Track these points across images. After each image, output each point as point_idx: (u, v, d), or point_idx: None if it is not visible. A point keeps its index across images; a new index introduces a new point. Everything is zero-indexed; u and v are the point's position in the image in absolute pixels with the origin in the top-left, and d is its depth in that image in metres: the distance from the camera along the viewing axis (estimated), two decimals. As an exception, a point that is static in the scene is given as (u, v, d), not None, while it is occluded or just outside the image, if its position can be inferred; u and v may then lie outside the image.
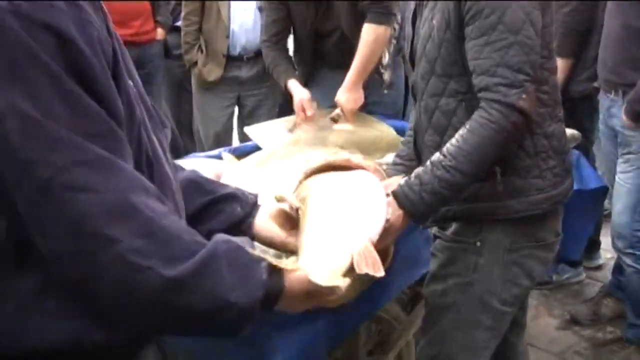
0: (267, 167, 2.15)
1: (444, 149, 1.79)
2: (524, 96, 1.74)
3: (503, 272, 1.96)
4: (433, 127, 1.94)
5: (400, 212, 1.77)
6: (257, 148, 3.00)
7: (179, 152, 3.97)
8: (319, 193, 1.63)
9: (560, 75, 3.46)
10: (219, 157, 2.83)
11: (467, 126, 1.78)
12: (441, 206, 1.83)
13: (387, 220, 1.66)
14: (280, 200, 1.63)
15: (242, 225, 1.56)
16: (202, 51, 3.93)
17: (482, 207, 1.91)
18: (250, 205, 1.58)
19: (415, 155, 2.09)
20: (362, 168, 1.76)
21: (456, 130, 1.83)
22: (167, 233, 1.08)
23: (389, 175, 2.09)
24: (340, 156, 1.79)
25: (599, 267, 4.17)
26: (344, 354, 2.43)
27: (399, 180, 1.80)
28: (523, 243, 1.95)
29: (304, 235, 1.51)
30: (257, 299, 1.17)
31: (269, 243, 1.60)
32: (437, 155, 1.80)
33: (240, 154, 2.95)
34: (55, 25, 0.98)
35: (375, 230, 1.56)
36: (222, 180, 2.49)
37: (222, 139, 4.03)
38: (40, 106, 0.97)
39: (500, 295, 1.98)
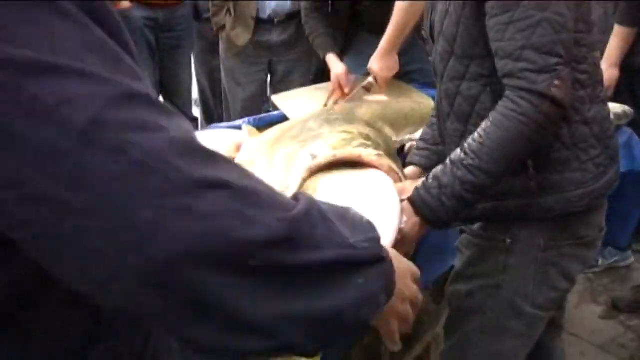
0: (278, 149, 1.95)
1: (465, 145, 1.57)
2: (556, 82, 1.50)
3: (537, 273, 1.74)
4: (455, 114, 1.72)
5: (416, 219, 1.57)
6: (284, 118, 2.82)
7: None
8: (323, 198, 1.44)
9: (623, 44, 3.20)
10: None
11: (491, 118, 1.55)
12: (463, 211, 1.62)
13: (401, 230, 1.48)
14: None
15: None
16: (230, 14, 3.72)
17: (513, 206, 1.69)
18: None
19: (441, 140, 1.87)
20: (375, 167, 1.55)
21: (481, 118, 1.62)
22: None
23: (413, 163, 1.89)
24: (351, 152, 1.57)
25: (649, 251, 3.89)
26: (367, 346, 2.26)
27: (415, 185, 1.59)
28: (560, 241, 1.73)
29: None
30: (380, 252, 0.88)
31: None
32: (457, 153, 1.58)
33: (265, 124, 2.79)
34: None
35: (388, 243, 1.38)
36: (239, 155, 2.33)
37: (251, 108, 3.83)
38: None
39: (534, 299, 1.76)
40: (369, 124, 2.24)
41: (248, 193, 0.74)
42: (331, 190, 1.47)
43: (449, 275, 2.12)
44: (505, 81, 1.56)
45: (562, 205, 1.67)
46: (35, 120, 0.65)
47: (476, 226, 1.78)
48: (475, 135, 1.56)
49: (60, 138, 0.65)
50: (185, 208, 0.68)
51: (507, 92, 1.55)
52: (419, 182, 1.58)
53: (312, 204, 0.82)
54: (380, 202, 1.44)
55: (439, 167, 1.60)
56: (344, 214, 0.89)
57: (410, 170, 1.90)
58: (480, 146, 1.53)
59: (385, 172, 1.57)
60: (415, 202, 1.57)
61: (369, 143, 1.70)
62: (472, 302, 1.80)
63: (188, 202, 0.68)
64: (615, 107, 2.64)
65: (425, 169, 1.89)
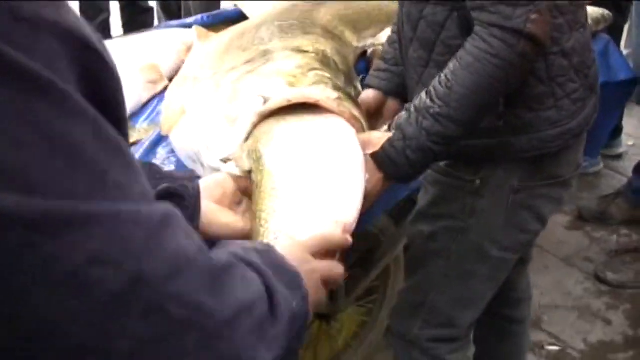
0: (225, 65, 1.74)
1: (432, 90, 1.36)
2: (533, 16, 1.29)
3: (507, 216, 1.57)
4: (418, 40, 1.50)
5: (379, 176, 1.38)
6: (241, 15, 2.57)
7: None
8: (278, 153, 1.27)
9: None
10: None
11: (459, 59, 1.34)
12: (431, 164, 1.43)
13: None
14: (225, 161, 1.29)
15: None
16: None
17: (481, 145, 1.50)
18: (192, 204, 1.16)
19: (403, 66, 1.65)
20: (335, 113, 1.35)
21: (447, 47, 1.41)
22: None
23: (371, 85, 1.68)
24: (307, 95, 1.35)
25: (618, 157, 3.79)
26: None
27: (381, 138, 1.37)
28: (534, 182, 1.56)
29: (272, 202, 1.21)
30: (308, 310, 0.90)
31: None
32: (423, 99, 1.37)
33: (219, 22, 2.56)
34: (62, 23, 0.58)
35: (349, 214, 1.20)
36: (186, 64, 2.12)
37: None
38: None
39: (502, 242, 1.61)
40: (327, 30, 2.02)
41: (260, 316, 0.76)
42: (288, 143, 1.28)
43: (409, 195, 1.97)
44: (475, 15, 1.34)
45: (534, 146, 1.49)
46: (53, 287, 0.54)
47: (443, 163, 1.59)
48: (442, 77, 1.36)
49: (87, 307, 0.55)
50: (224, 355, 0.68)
51: (477, 28, 1.33)
52: (385, 136, 1.38)
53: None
54: (343, 162, 1.25)
55: (403, 116, 1.40)
56: (278, 265, 0.88)
57: (369, 93, 1.69)
58: (447, 91, 1.33)
59: (347, 119, 1.37)
60: (378, 157, 1.38)
61: (327, 75, 1.48)
62: (435, 245, 1.65)
63: (226, 346, 0.68)
64: (593, 11, 2.44)
65: (386, 92, 1.68)
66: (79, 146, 0.55)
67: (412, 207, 1.78)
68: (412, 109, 1.38)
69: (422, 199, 1.68)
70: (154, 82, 2.25)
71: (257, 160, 1.28)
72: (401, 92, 1.66)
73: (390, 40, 1.73)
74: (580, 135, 1.56)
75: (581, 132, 1.55)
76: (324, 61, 1.60)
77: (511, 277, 1.84)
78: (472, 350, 1.87)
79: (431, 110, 1.34)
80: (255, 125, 1.36)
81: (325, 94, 1.37)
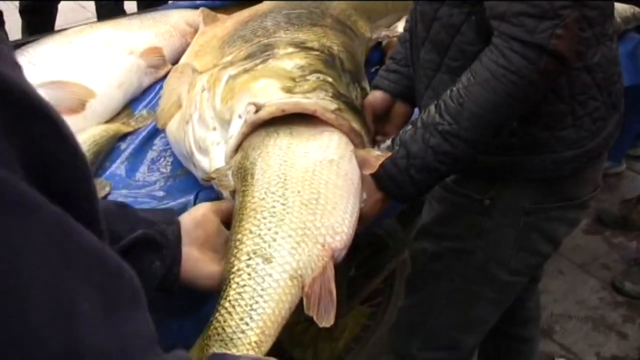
0: (226, 56, 1.62)
1: (441, 104, 1.23)
2: (559, 31, 1.15)
3: (517, 239, 1.45)
4: (431, 42, 1.37)
5: (378, 196, 1.26)
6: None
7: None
8: (263, 174, 1.16)
9: None
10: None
11: (475, 73, 1.20)
12: (437, 184, 1.30)
13: (359, 210, 1.18)
14: (208, 179, 1.21)
15: (164, 283, 1.07)
16: None
17: (491, 162, 1.37)
18: (172, 252, 1.06)
19: (412, 69, 1.52)
20: (333, 125, 1.23)
21: (461, 53, 1.29)
22: None
23: (379, 87, 1.56)
24: (304, 104, 1.23)
25: (642, 157, 3.64)
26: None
27: (379, 157, 1.24)
28: (548, 204, 1.43)
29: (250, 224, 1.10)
30: None
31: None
32: (431, 113, 1.24)
33: (232, 3, 2.45)
34: None
35: (338, 241, 1.08)
36: (191, 47, 2.02)
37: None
38: None
39: (511, 265, 1.48)
40: (338, 21, 1.89)
41: None
42: (275, 162, 1.17)
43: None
44: (495, 24, 1.20)
45: (547, 167, 1.37)
46: None
47: (450, 179, 1.45)
48: (454, 92, 1.22)
49: None
50: None
51: (496, 40, 1.20)
52: (384, 155, 1.25)
53: None
54: (335, 185, 1.14)
55: (408, 130, 1.27)
56: None
57: (376, 95, 1.56)
58: (459, 108, 1.20)
59: (345, 132, 1.25)
60: (378, 176, 1.25)
61: (329, 80, 1.34)
62: (439, 265, 1.53)
63: None
64: (623, 9, 2.30)
65: (394, 95, 1.56)
66: None
67: (420, 209, 1.67)
68: (419, 123, 1.25)
69: (426, 215, 1.56)
70: (155, 67, 2.15)
71: (242, 178, 1.17)
72: (411, 95, 1.53)
73: (402, 39, 1.60)
74: (597, 157, 1.42)
75: (600, 153, 1.42)
76: (328, 60, 1.48)
77: (520, 295, 1.72)
78: None
79: (439, 128, 1.21)
80: (245, 135, 1.25)
81: (323, 105, 1.24)
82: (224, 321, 1.00)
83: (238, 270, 1.05)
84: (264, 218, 1.10)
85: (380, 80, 1.57)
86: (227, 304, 1.02)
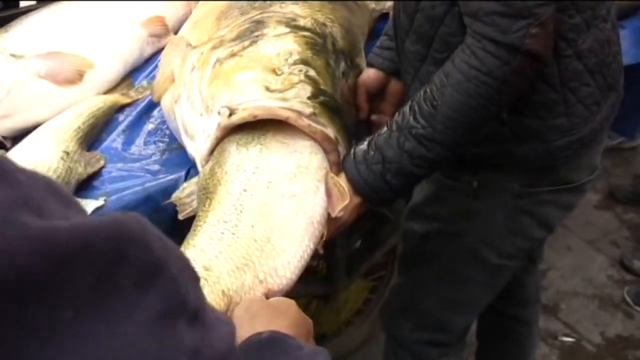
0: (219, 33, 1.58)
1: (415, 106, 1.20)
2: (534, 30, 1.11)
3: (507, 222, 1.41)
4: (415, 33, 1.32)
5: (356, 201, 1.24)
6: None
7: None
8: (224, 200, 1.15)
9: None
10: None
11: (447, 75, 1.17)
12: (414, 186, 1.29)
13: (337, 219, 1.20)
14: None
15: None
16: None
17: (480, 152, 1.33)
18: None
19: (398, 59, 1.46)
20: (305, 133, 1.22)
21: (446, 44, 1.24)
22: None
23: (373, 64, 1.52)
24: (277, 111, 1.20)
25: (659, 132, 3.57)
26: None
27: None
28: (540, 187, 1.39)
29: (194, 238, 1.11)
30: None
31: None
32: (405, 115, 1.21)
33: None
34: None
35: (278, 284, 1.08)
36: (191, 17, 1.98)
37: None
38: None
39: (501, 249, 1.45)
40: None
41: None
42: (239, 186, 1.16)
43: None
44: (467, 21, 1.16)
45: (539, 156, 1.32)
46: None
47: None
48: (428, 93, 1.19)
49: None
50: None
51: (469, 40, 1.15)
52: (358, 151, 1.24)
53: None
54: (291, 216, 1.13)
55: (383, 134, 1.23)
56: None
57: (370, 73, 1.53)
58: (433, 112, 1.17)
59: (318, 140, 1.23)
60: (355, 182, 1.23)
61: (312, 74, 1.28)
62: (428, 246, 1.51)
63: None
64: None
65: (389, 73, 1.52)
66: None
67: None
68: (394, 126, 1.22)
69: (417, 194, 1.53)
70: (158, 37, 2.11)
71: (202, 200, 1.18)
72: None
73: (390, 29, 1.55)
74: (592, 142, 1.38)
75: (594, 138, 1.38)
76: (318, 43, 1.44)
77: (519, 275, 1.70)
78: (463, 354, 1.77)
79: (414, 131, 1.19)
80: (219, 139, 1.24)
81: (298, 108, 1.22)
82: None
83: None
84: (212, 240, 1.09)
85: (374, 57, 1.53)
86: None
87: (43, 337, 0.36)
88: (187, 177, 1.53)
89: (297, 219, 1.12)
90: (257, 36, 1.45)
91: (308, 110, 1.22)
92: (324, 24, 1.53)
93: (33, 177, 0.44)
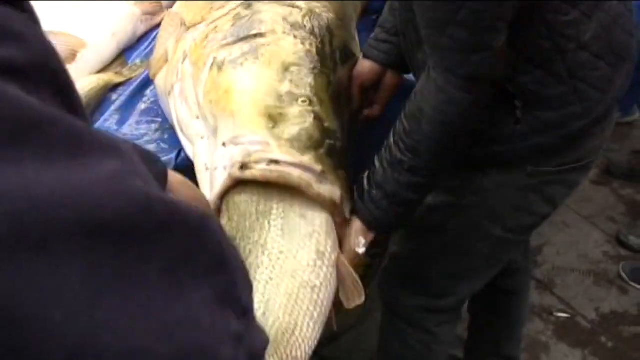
0: (213, 7, 1.56)
1: (399, 142, 1.29)
2: (491, 62, 1.18)
3: (515, 198, 1.44)
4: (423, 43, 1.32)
5: (371, 236, 1.35)
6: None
7: None
8: (257, 270, 1.19)
9: None
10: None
11: (419, 111, 1.25)
12: (422, 202, 1.39)
13: (357, 254, 1.34)
14: None
15: None
16: None
17: (493, 152, 1.38)
18: None
19: (410, 66, 1.47)
20: (311, 197, 1.24)
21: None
22: None
23: (369, 57, 1.52)
24: (288, 178, 1.22)
25: (657, 106, 3.56)
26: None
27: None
28: (550, 167, 1.39)
29: None
30: None
31: None
32: (393, 151, 1.30)
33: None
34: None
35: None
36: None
37: None
38: None
39: (507, 223, 1.48)
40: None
41: None
42: (265, 274, 1.18)
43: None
44: (428, 51, 1.22)
45: (556, 142, 1.34)
46: None
47: None
48: (406, 127, 1.27)
49: None
50: None
51: (432, 72, 1.21)
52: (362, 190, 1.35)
53: None
54: (311, 318, 1.16)
55: (378, 171, 1.33)
56: None
57: (365, 66, 1.52)
58: (416, 145, 1.26)
59: (327, 206, 1.26)
60: (369, 222, 1.33)
61: (315, 109, 1.32)
62: (435, 218, 1.52)
63: None
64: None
65: (384, 65, 1.52)
66: None
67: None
68: (385, 163, 1.31)
69: None
70: (152, 14, 2.10)
71: None
72: (402, 64, 1.50)
73: (391, 7, 1.53)
74: (606, 117, 1.38)
75: (609, 113, 1.38)
76: (317, 48, 1.44)
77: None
78: (458, 326, 1.80)
79: (405, 165, 1.28)
80: (229, 188, 1.25)
81: (308, 165, 1.24)
82: None
83: None
84: None
85: (370, 50, 1.52)
86: None
87: (133, 282, 0.40)
88: (177, 159, 1.54)
89: (315, 311, 1.17)
90: (255, 36, 1.43)
91: (318, 168, 1.24)
92: (319, 15, 1.52)
93: (132, 148, 0.48)
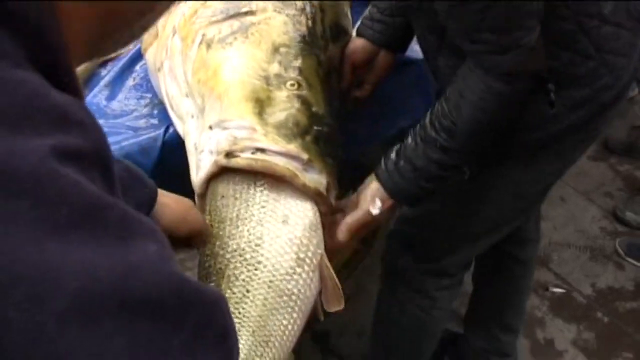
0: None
1: (435, 122, 1.28)
2: (525, 57, 1.19)
3: (526, 167, 1.48)
4: (449, 47, 1.34)
5: (390, 203, 1.35)
6: None
7: None
8: (234, 282, 1.17)
9: None
10: None
11: (461, 94, 1.26)
12: (444, 186, 1.39)
13: (375, 218, 1.34)
14: None
15: None
16: None
17: (529, 139, 1.40)
18: None
19: (432, 75, 1.49)
20: (299, 188, 1.20)
21: None
22: None
23: (363, 35, 1.50)
24: (274, 166, 1.19)
25: (656, 81, 3.52)
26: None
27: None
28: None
29: None
30: None
31: None
32: (427, 129, 1.30)
33: None
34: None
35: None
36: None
37: None
38: None
39: (515, 190, 1.53)
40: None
41: None
42: (240, 288, 1.16)
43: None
44: (467, 51, 1.24)
45: (591, 115, 1.37)
46: None
47: None
48: (445, 109, 1.27)
49: None
50: None
51: (471, 64, 1.23)
52: (388, 161, 1.34)
53: None
54: (286, 333, 1.15)
55: (410, 145, 1.33)
56: None
57: (358, 45, 1.51)
58: (453, 127, 1.27)
59: (311, 196, 1.22)
60: (390, 190, 1.33)
61: (304, 93, 1.29)
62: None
63: None
64: None
65: (378, 44, 1.51)
66: None
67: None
68: (419, 139, 1.31)
69: None
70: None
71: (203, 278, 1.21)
72: (395, 44, 1.51)
73: None
74: (629, 84, 1.42)
75: (632, 79, 1.42)
76: (307, 28, 1.40)
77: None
78: (459, 293, 1.83)
79: (438, 143, 1.28)
80: (212, 174, 1.23)
81: (295, 154, 1.21)
82: None
83: None
84: None
85: (364, 29, 1.51)
86: None
87: (161, 351, 0.45)
88: (165, 134, 1.52)
89: (292, 319, 1.15)
90: (246, 14, 1.40)
91: (304, 156, 1.22)
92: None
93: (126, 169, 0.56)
